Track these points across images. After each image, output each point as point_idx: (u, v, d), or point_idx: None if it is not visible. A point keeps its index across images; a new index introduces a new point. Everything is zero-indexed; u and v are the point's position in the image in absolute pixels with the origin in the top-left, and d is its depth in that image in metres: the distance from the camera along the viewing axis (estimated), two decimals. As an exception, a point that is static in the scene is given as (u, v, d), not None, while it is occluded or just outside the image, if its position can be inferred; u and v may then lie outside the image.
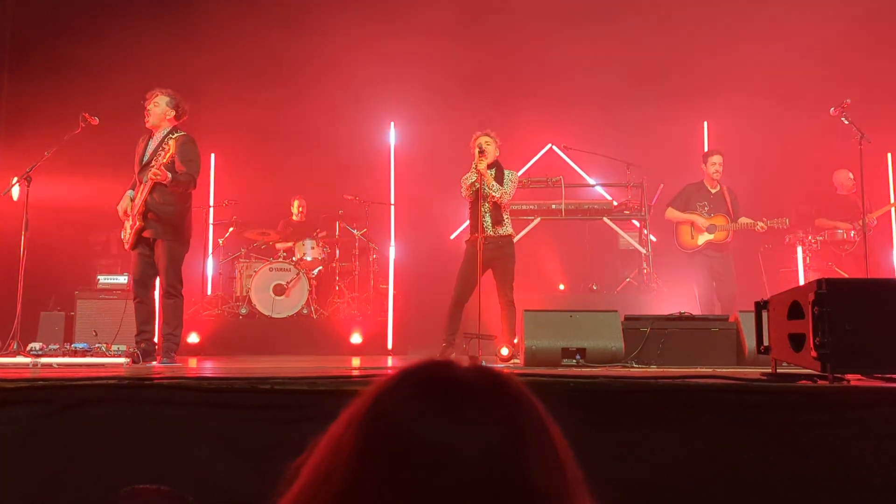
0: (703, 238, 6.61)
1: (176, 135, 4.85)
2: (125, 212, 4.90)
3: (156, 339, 4.93)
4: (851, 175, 6.95)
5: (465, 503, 0.68)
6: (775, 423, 2.27)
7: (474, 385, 0.76)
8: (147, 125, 4.92)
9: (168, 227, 4.81)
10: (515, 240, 5.64)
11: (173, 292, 4.84)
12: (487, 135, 5.39)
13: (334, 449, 0.74)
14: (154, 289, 4.96)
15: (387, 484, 0.69)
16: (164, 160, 4.71)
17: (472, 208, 5.37)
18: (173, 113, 4.92)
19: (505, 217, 5.36)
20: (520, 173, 7.82)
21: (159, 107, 4.88)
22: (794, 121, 7.83)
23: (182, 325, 4.98)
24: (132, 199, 4.90)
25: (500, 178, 5.35)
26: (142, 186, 4.82)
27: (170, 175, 4.66)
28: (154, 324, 4.93)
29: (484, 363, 3.93)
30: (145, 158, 4.88)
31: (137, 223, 4.78)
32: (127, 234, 4.88)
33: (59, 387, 2.33)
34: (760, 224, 6.48)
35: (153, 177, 4.65)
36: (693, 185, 6.82)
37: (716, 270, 6.65)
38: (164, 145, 4.81)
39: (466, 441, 0.70)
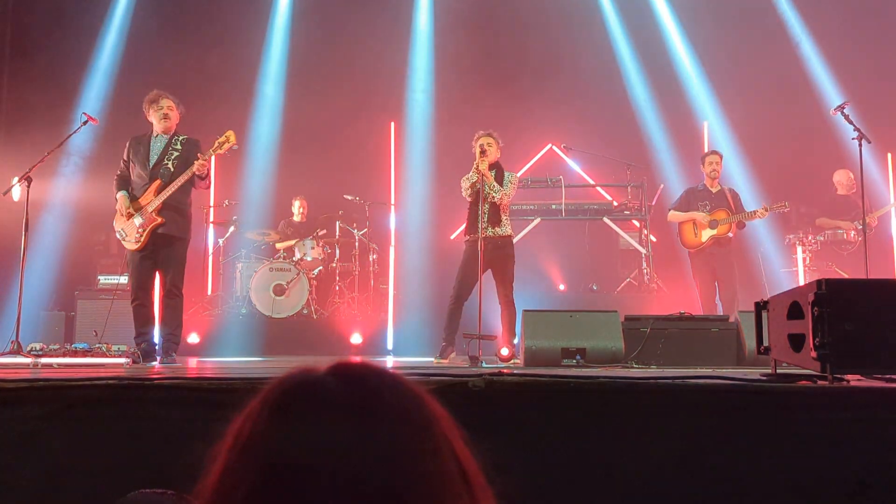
0: (706, 234, 6.61)
1: (183, 137, 4.97)
2: (128, 212, 4.85)
3: (155, 340, 4.93)
4: (852, 175, 6.95)
5: None
6: (775, 424, 2.27)
7: (332, 401, 0.72)
8: (161, 129, 4.95)
9: (181, 226, 4.89)
10: (515, 240, 5.65)
11: (176, 292, 4.87)
12: (489, 135, 5.39)
13: (214, 459, 0.73)
14: (153, 291, 4.97)
15: (252, 495, 0.67)
16: (171, 160, 4.82)
17: (472, 208, 5.37)
18: (179, 113, 5.02)
19: (503, 218, 5.36)
20: (520, 173, 7.84)
21: (174, 111, 4.96)
22: (794, 121, 7.84)
23: (182, 325, 4.99)
24: (136, 199, 4.88)
25: (499, 180, 5.35)
26: (155, 185, 4.81)
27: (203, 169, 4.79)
28: (153, 326, 4.93)
29: (483, 364, 3.90)
30: (153, 159, 4.89)
31: (157, 220, 4.79)
32: (134, 233, 4.83)
33: (59, 387, 2.33)
34: (761, 210, 6.48)
35: (199, 170, 4.74)
36: (694, 188, 6.84)
37: (718, 271, 6.65)
38: (172, 146, 4.89)
39: (329, 462, 0.67)
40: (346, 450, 0.67)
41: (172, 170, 4.85)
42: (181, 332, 5.01)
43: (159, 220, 4.79)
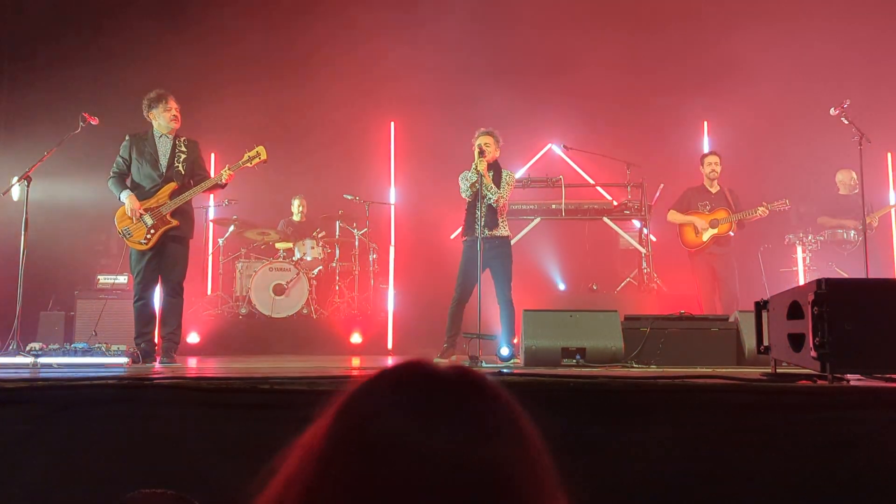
0: (707, 233, 6.62)
1: (185, 138, 5.01)
2: (139, 212, 4.79)
3: (155, 340, 4.94)
4: (854, 175, 6.95)
5: (435, 499, 0.66)
6: (775, 423, 2.27)
7: (449, 382, 0.75)
8: (169, 130, 4.95)
9: (189, 227, 4.97)
10: (515, 240, 5.65)
11: (180, 292, 4.92)
12: (489, 134, 5.37)
13: (308, 443, 0.74)
14: (155, 290, 4.98)
15: (353, 476, 0.68)
16: (180, 162, 4.88)
17: (469, 209, 5.36)
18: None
19: (500, 220, 5.36)
20: (520, 173, 7.83)
21: (179, 112, 4.99)
22: (794, 121, 7.84)
23: (182, 326, 5.00)
24: (144, 199, 4.85)
25: (497, 180, 5.33)
26: (170, 187, 4.83)
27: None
28: (155, 326, 4.94)
29: (483, 364, 3.91)
30: (163, 160, 4.90)
31: (172, 223, 4.81)
32: (145, 234, 4.80)
33: (58, 387, 2.33)
34: (761, 209, 6.49)
35: (225, 181, 4.87)
36: (693, 188, 6.85)
37: (718, 270, 6.65)
38: (179, 148, 4.94)
39: (437, 435, 0.68)
40: (460, 432, 0.69)
41: (183, 172, 4.90)
42: (181, 333, 5.02)
43: (174, 222, 4.82)
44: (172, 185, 4.82)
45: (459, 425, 0.70)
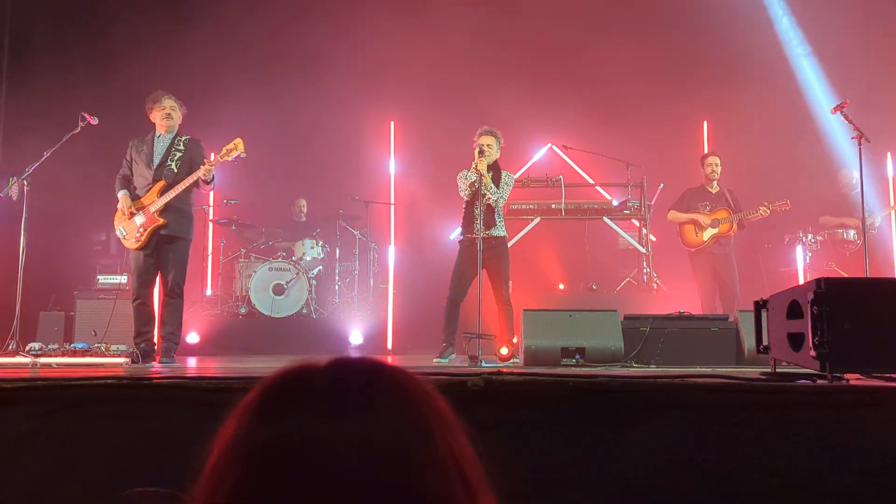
0: (708, 233, 6.62)
1: (186, 137, 4.99)
2: (129, 211, 4.86)
3: (155, 340, 4.94)
4: (856, 174, 6.95)
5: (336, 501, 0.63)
6: (774, 423, 2.27)
7: (340, 378, 0.72)
8: (164, 129, 4.97)
9: (184, 227, 4.91)
10: (514, 240, 5.65)
11: (178, 292, 4.89)
12: (492, 134, 5.34)
13: (212, 452, 0.72)
14: (154, 290, 4.98)
15: (241, 491, 0.66)
16: (174, 160, 4.84)
17: (467, 208, 5.36)
18: (182, 114, 5.04)
19: (497, 220, 5.35)
20: (520, 173, 7.83)
21: (176, 111, 4.98)
22: (793, 120, 7.83)
23: (182, 326, 5.00)
24: (138, 198, 4.89)
25: (496, 180, 5.33)
26: (159, 185, 4.84)
27: (210, 174, 4.82)
28: (154, 326, 4.94)
29: (483, 363, 3.91)
30: (156, 159, 4.91)
31: (159, 221, 4.80)
32: (135, 232, 4.85)
33: (57, 387, 2.33)
34: (763, 209, 6.48)
35: (205, 174, 4.76)
36: (693, 189, 6.84)
37: (719, 270, 6.65)
38: (177, 147, 4.92)
39: (334, 438, 0.65)
40: (335, 444, 0.65)
41: (176, 171, 4.87)
42: (181, 333, 5.02)
43: (160, 220, 4.80)
44: (161, 184, 4.83)
45: (339, 443, 0.66)
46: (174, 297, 4.87)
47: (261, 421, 0.70)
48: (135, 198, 4.90)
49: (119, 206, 4.90)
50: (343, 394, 0.70)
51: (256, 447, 0.67)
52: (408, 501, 0.65)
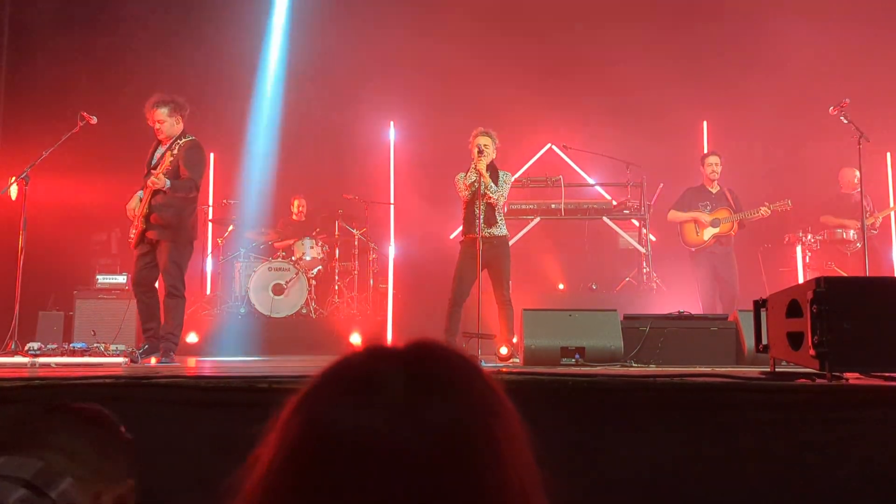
0: (709, 232, 6.61)
1: (183, 140, 4.96)
2: (133, 212, 4.97)
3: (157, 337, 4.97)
4: (857, 173, 6.96)
5: (395, 495, 0.62)
6: (774, 422, 2.27)
7: (408, 369, 0.69)
8: (159, 139, 5.00)
9: (168, 229, 4.87)
10: (514, 240, 5.65)
11: (175, 293, 4.90)
12: (487, 134, 5.36)
13: (263, 446, 0.70)
14: (155, 287, 5.01)
15: (304, 476, 0.64)
16: (166, 166, 4.83)
17: (467, 208, 5.36)
18: (179, 117, 5.00)
19: (498, 218, 5.35)
20: (519, 173, 7.83)
21: (166, 123, 4.94)
22: (793, 120, 7.83)
23: (182, 326, 5.00)
24: (140, 200, 4.98)
25: (495, 179, 5.34)
26: (147, 192, 4.91)
27: (167, 182, 4.76)
28: (156, 322, 4.96)
29: (483, 363, 3.89)
30: (153, 163, 4.97)
31: (141, 225, 4.88)
32: (130, 234, 5.00)
33: (56, 386, 2.33)
34: (763, 209, 6.48)
35: (150, 184, 4.79)
36: (693, 189, 6.84)
37: (719, 269, 6.64)
38: (170, 151, 4.92)
39: (393, 429, 0.64)
40: (397, 423, 0.64)
41: (161, 175, 4.93)
42: (180, 333, 5.02)
43: (142, 225, 4.89)
44: (147, 190, 4.91)
45: (428, 417, 0.65)
46: (170, 296, 4.90)
47: (325, 390, 0.69)
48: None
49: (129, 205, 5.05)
50: (420, 383, 0.68)
51: (329, 435, 0.65)
52: (471, 496, 0.64)
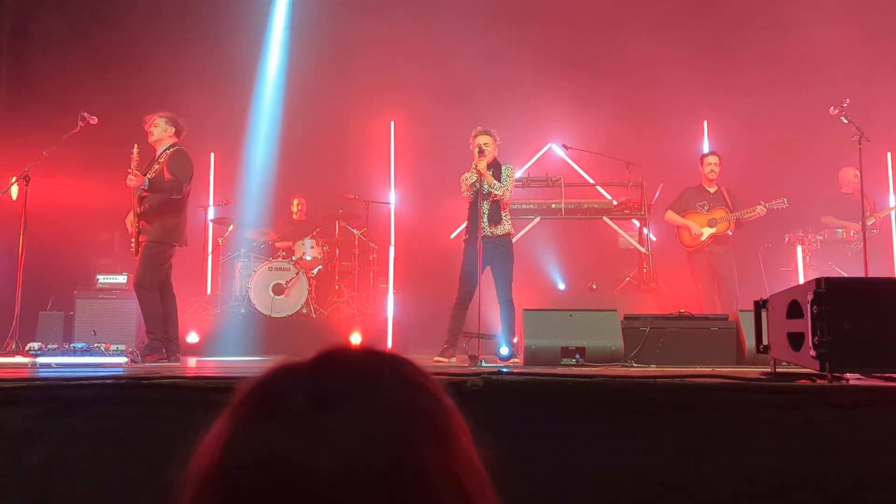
0: (706, 232, 6.62)
1: (171, 149, 5.11)
2: (130, 224, 5.10)
3: (162, 339, 5.05)
4: (858, 173, 6.95)
5: None
6: (774, 423, 2.27)
7: (311, 383, 0.65)
8: (149, 141, 5.17)
9: (152, 227, 5.00)
10: (514, 239, 5.65)
11: (139, 288, 4.97)
12: (487, 134, 5.38)
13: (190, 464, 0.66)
14: (162, 291, 5.10)
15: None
16: (151, 171, 5.01)
17: (472, 208, 5.37)
18: (172, 129, 5.18)
19: (503, 216, 5.36)
20: (519, 173, 7.82)
21: (159, 127, 5.15)
22: (793, 120, 7.83)
23: (152, 321, 5.01)
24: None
25: (497, 176, 5.36)
26: (133, 197, 5.06)
27: (145, 181, 4.90)
28: (160, 323, 5.02)
29: (483, 363, 3.88)
30: (145, 171, 5.09)
31: (136, 233, 5.03)
32: (133, 242, 5.11)
33: (57, 386, 2.33)
34: (759, 208, 6.49)
35: (127, 182, 4.90)
36: (692, 188, 6.84)
37: (717, 270, 6.64)
38: (158, 159, 5.07)
39: (297, 447, 0.59)
40: (308, 462, 0.59)
41: (147, 181, 5.01)
42: (155, 335, 5.02)
43: (129, 229, 5.07)
44: (133, 196, 5.04)
45: (320, 436, 0.60)
46: (138, 293, 4.98)
47: (231, 439, 0.63)
48: None
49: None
50: (323, 398, 0.63)
51: (227, 470, 0.61)
52: None
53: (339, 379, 0.65)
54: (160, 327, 4.98)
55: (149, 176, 4.95)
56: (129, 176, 4.85)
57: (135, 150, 4.93)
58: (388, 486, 0.59)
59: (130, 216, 5.09)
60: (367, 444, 0.60)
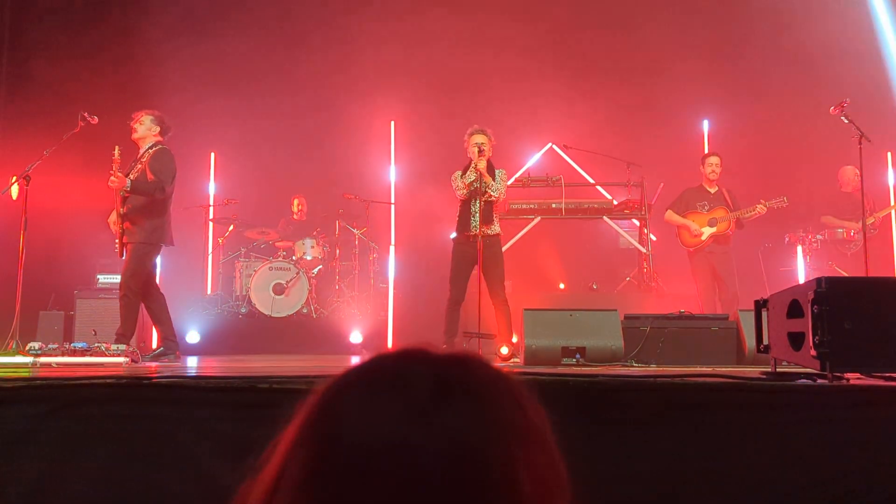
0: (706, 232, 6.61)
1: (154, 149, 5.08)
2: (113, 224, 5.07)
3: (154, 339, 5.02)
4: (858, 172, 6.94)
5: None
6: (774, 422, 2.27)
7: (438, 373, 0.68)
8: (132, 138, 5.14)
9: (135, 231, 4.99)
10: (514, 239, 5.65)
11: (126, 291, 4.96)
12: (483, 132, 5.37)
13: (277, 448, 0.68)
14: (148, 291, 5.07)
15: (320, 485, 0.63)
16: (134, 171, 4.98)
17: (463, 207, 5.37)
18: (157, 129, 5.15)
19: (495, 217, 5.36)
20: (519, 173, 7.83)
21: (144, 124, 5.12)
22: (793, 120, 7.83)
23: (134, 325, 5.03)
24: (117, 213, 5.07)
25: (491, 177, 5.36)
26: (116, 198, 5.03)
27: (128, 182, 4.86)
28: (158, 324, 5.06)
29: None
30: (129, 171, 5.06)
31: (120, 234, 5.01)
32: (118, 242, 5.08)
33: (57, 386, 2.32)
34: (760, 206, 6.49)
35: (109, 183, 4.88)
36: (692, 189, 6.84)
37: (717, 270, 6.64)
38: (141, 158, 5.05)
39: (423, 437, 0.62)
40: (422, 447, 0.63)
41: (130, 181, 4.98)
42: (133, 334, 5.04)
43: (113, 230, 5.05)
44: (116, 197, 5.01)
45: (448, 423, 0.63)
46: (123, 297, 4.98)
47: (354, 415, 0.66)
48: None
49: None
50: (447, 388, 0.67)
51: (350, 448, 0.64)
52: None
53: (464, 377, 0.69)
54: (134, 329, 5.02)
55: (131, 177, 4.90)
56: (112, 177, 4.82)
57: (116, 152, 4.88)
58: (492, 479, 0.64)
59: (113, 216, 5.05)
60: (472, 443, 0.64)
